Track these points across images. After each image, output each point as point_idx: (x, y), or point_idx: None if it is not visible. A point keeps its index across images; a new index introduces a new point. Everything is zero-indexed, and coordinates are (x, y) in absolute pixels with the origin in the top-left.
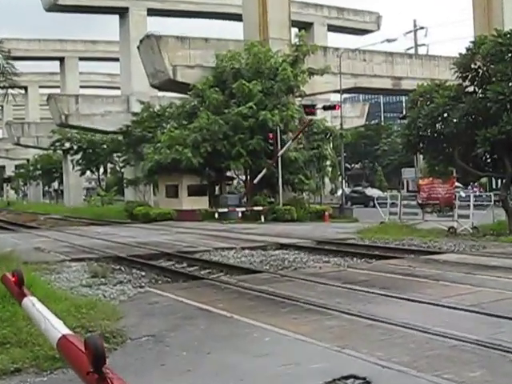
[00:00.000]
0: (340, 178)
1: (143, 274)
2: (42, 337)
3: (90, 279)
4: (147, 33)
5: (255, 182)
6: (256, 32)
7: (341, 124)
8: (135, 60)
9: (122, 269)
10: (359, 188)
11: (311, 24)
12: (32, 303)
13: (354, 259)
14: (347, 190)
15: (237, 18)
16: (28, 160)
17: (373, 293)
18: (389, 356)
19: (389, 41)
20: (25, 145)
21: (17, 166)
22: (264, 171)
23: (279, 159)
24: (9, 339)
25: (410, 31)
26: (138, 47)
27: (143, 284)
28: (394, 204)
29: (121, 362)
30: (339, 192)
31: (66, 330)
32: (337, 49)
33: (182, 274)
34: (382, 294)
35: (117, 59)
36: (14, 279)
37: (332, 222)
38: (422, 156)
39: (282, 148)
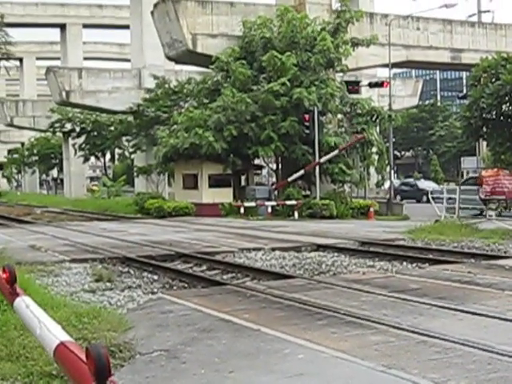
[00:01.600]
0: (388, 168)
1: (155, 278)
2: (38, 350)
3: (93, 283)
4: None
5: (290, 180)
6: None
7: (389, 104)
8: (148, 28)
9: (131, 272)
10: (410, 180)
11: None
12: (26, 304)
13: (404, 264)
14: (396, 183)
15: None
16: (23, 144)
17: (425, 303)
18: (444, 378)
19: (447, 6)
20: (19, 126)
21: (10, 151)
22: (301, 172)
23: (316, 145)
24: None
25: None
26: (152, 12)
27: (155, 290)
28: (452, 199)
29: (129, 381)
30: (387, 184)
31: (64, 337)
32: (385, 15)
33: (200, 279)
34: (436, 305)
35: (127, 27)
36: (4, 276)
37: (378, 220)
38: (485, 143)
39: (319, 131)
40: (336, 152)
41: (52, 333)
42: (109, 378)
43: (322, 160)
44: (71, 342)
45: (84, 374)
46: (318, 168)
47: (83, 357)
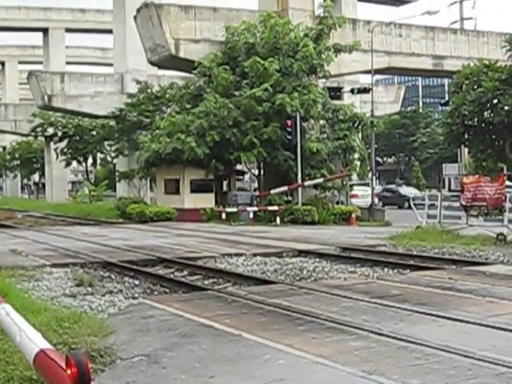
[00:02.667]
0: (370, 174)
1: (137, 282)
2: (18, 354)
3: (74, 288)
4: (146, 1)
5: (272, 192)
6: (273, 1)
7: (372, 110)
8: (131, 33)
9: (112, 276)
10: (392, 186)
11: None
12: (5, 312)
13: (385, 270)
14: (378, 189)
15: None
16: (4, 148)
17: (406, 309)
18: None
19: (430, 13)
20: (1, 130)
21: None
22: (284, 188)
23: (298, 151)
24: None
25: (455, 2)
26: (135, 17)
27: (136, 295)
28: (433, 205)
29: None
30: (368, 191)
31: (44, 344)
32: (368, 22)
33: (182, 284)
34: (417, 311)
35: (110, 31)
36: None
37: (360, 226)
38: (467, 149)
39: (301, 137)
40: (321, 180)
41: (32, 340)
42: None
43: (306, 184)
44: (51, 349)
45: (64, 382)
46: (300, 174)
47: (63, 364)
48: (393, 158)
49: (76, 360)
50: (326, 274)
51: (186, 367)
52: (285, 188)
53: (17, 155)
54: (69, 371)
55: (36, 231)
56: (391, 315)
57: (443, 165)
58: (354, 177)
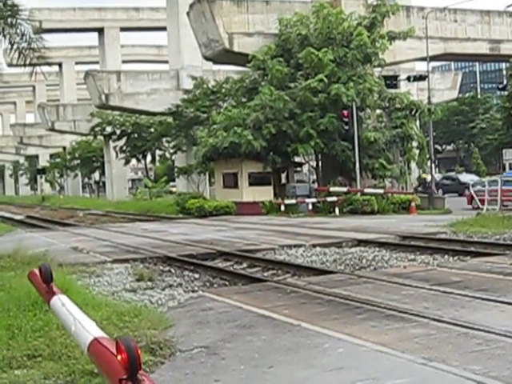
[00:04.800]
0: (429, 163)
1: (196, 276)
2: (79, 349)
3: (134, 283)
4: None
5: (332, 190)
6: None
7: (429, 98)
8: (185, 29)
9: (172, 271)
10: (452, 174)
11: None
12: (61, 303)
13: (446, 257)
14: (438, 177)
15: None
16: (64, 148)
17: (467, 296)
18: (485, 370)
19: None
20: (60, 130)
21: (52, 155)
22: (344, 189)
23: (356, 141)
24: (41, 351)
25: None
26: (188, 13)
27: (196, 288)
28: (494, 192)
29: (169, 378)
30: (428, 178)
31: (98, 333)
32: (422, 8)
33: (241, 276)
34: (478, 298)
35: (164, 28)
36: (41, 275)
37: (419, 214)
38: None
39: (358, 127)
40: (380, 191)
41: (86, 329)
42: (139, 370)
43: (366, 191)
44: (104, 337)
45: (115, 367)
46: (358, 164)
47: (114, 350)
48: (452, 145)
49: (125, 345)
50: (386, 263)
51: (244, 358)
52: (344, 189)
53: (77, 155)
54: (119, 357)
55: (97, 229)
56: (452, 302)
57: (504, 150)
58: (413, 166)
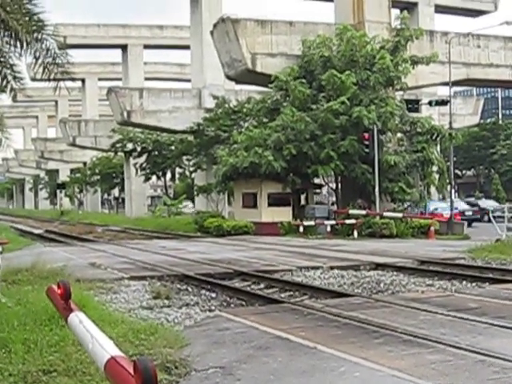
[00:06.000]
0: (449, 187)
1: (213, 295)
2: (94, 365)
3: (151, 300)
4: (222, 16)
5: (351, 212)
6: (349, 14)
7: (450, 123)
8: (208, 48)
9: (189, 289)
10: (471, 199)
11: (415, 4)
12: (79, 320)
13: (464, 283)
14: (457, 202)
15: None
16: (85, 163)
17: (485, 323)
18: None
19: (508, 23)
20: (81, 146)
21: (72, 170)
22: (363, 212)
23: (376, 164)
24: (56, 367)
25: None
26: (212, 32)
27: (213, 307)
28: None
29: None
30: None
31: (115, 351)
32: (445, 33)
33: (258, 297)
34: (495, 325)
35: (187, 47)
36: (59, 292)
37: (438, 239)
38: None
39: (379, 150)
40: (399, 215)
41: (103, 348)
42: None
43: (385, 214)
44: (121, 356)
45: None
46: (378, 187)
47: (132, 370)
48: (472, 170)
49: (143, 366)
50: (404, 287)
51: (260, 379)
52: (363, 212)
53: (97, 170)
54: (136, 377)
55: (115, 245)
56: (469, 328)
57: None
58: (433, 190)
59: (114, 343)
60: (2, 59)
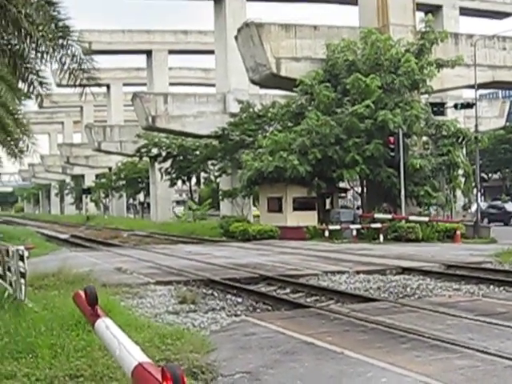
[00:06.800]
0: (475, 191)
1: (239, 300)
2: (121, 370)
3: (177, 305)
4: (246, 21)
5: (376, 217)
6: (374, 17)
7: (476, 126)
8: (233, 53)
9: (215, 294)
10: (498, 202)
11: (440, 7)
12: (106, 325)
13: (491, 287)
14: (483, 205)
15: (351, 0)
16: (110, 168)
17: None
18: None
19: None
20: (107, 151)
21: (97, 176)
22: (389, 216)
23: (401, 167)
24: (82, 372)
25: None
26: (236, 37)
27: (239, 312)
28: None
29: None
30: (473, 207)
31: (142, 358)
32: (471, 36)
33: (284, 302)
34: None
35: (211, 52)
36: (86, 297)
37: (464, 243)
38: None
39: (404, 153)
40: (425, 219)
41: (131, 354)
42: None
43: (411, 218)
44: (149, 362)
45: None
46: (403, 190)
47: (160, 377)
48: (498, 173)
49: (172, 373)
50: (430, 292)
51: None
52: (389, 216)
53: (122, 175)
54: None
55: (141, 249)
56: (497, 333)
57: None
58: (458, 194)
59: (140, 349)
60: (28, 65)
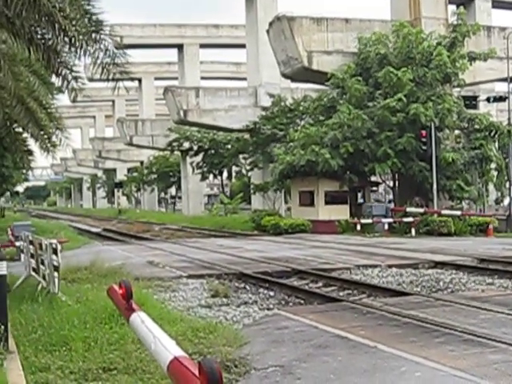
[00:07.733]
0: (507, 185)
1: (271, 294)
2: (154, 363)
3: (209, 299)
4: (278, 14)
5: (408, 210)
6: (406, 10)
7: (509, 119)
8: (264, 46)
9: (247, 288)
10: None
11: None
12: (141, 320)
13: None
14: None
15: None
16: (142, 162)
17: None
18: None
19: None
20: (138, 145)
21: (129, 170)
22: (421, 210)
23: (434, 161)
24: (116, 365)
25: None
26: (268, 31)
27: (271, 306)
28: None
29: None
30: (506, 201)
31: (178, 352)
32: (503, 28)
33: (316, 295)
34: None
35: (243, 46)
36: (121, 292)
37: (497, 237)
38: None
39: (436, 147)
40: (458, 213)
41: (166, 348)
42: None
43: (443, 212)
44: (185, 357)
45: None
46: (435, 184)
47: (196, 372)
48: None
49: (208, 367)
50: (463, 286)
51: (320, 379)
52: (421, 209)
53: (154, 169)
54: (201, 378)
55: (172, 243)
56: None
57: None
58: (491, 188)
59: (176, 343)
60: (61, 60)
